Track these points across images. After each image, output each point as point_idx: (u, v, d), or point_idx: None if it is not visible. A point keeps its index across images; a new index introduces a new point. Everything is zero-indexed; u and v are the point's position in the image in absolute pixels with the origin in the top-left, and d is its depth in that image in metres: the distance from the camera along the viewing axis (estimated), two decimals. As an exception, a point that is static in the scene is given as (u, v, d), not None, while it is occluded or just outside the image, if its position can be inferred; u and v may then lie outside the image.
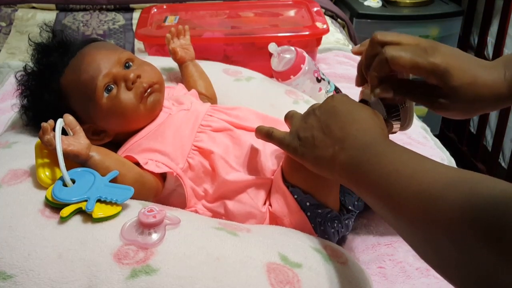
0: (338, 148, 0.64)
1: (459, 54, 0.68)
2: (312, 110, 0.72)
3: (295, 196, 0.76)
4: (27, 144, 0.81)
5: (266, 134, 0.76)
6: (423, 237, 0.51)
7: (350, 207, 0.80)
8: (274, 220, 0.79)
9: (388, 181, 0.55)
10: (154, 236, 0.63)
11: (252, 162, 0.82)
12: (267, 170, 0.82)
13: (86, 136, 0.73)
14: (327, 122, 0.68)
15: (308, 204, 0.76)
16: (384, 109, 0.74)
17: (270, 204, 0.80)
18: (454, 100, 0.67)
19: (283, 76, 1.16)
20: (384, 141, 0.63)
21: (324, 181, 0.74)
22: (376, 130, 0.66)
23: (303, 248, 0.69)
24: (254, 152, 0.82)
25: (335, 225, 0.78)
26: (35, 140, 0.71)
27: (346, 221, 0.80)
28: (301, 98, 1.11)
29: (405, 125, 0.77)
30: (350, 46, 1.67)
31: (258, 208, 0.79)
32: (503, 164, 2.13)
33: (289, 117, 0.77)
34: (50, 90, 0.83)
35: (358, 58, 1.71)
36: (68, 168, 0.68)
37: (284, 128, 0.85)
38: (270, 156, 0.83)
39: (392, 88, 0.70)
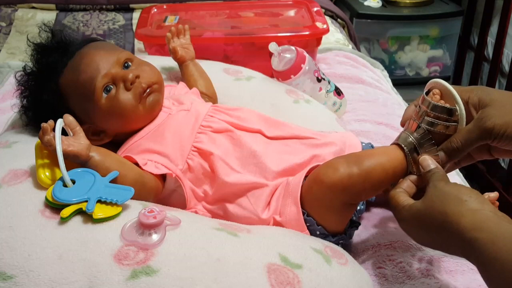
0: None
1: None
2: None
3: (308, 224, 0.76)
4: (27, 144, 0.80)
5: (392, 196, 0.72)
6: None
7: (353, 218, 0.81)
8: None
9: None
10: (155, 237, 0.63)
11: (253, 164, 0.81)
12: (269, 172, 0.81)
13: (86, 137, 0.73)
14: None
15: (318, 232, 0.77)
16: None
17: (279, 214, 0.78)
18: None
19: (283, 76, 1.16)
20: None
21: (340, 220, 0.76)
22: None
23: (303, 249, 0.69)
24: (255, 154, 0.82)
25: (339, 241, 0.79)
26: (35, 140, 0.71)
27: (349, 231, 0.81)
28: (302, 98, 1.11)
29: None
30: (350, 46, 1.67)
31: (257, 215, 0.78)
32: (502, 164, 2.12)
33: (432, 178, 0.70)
34: (49, 90, 0.83)
35: (358, 58, 1.71)
36: (68, 168, 0.68)
37: (288, 128, 0.86)
38: (272, 159, 0.82)
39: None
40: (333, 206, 0.75)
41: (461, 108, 0.72)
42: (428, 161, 0.71)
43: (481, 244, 0.58)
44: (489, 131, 0.69)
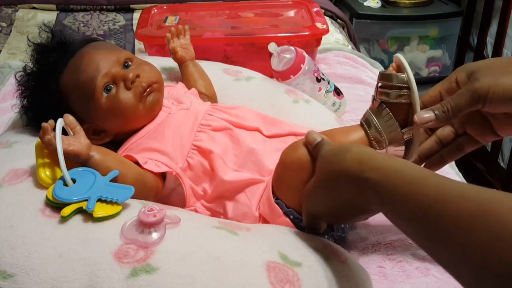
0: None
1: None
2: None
3: (280, 207, 0.76)
4: (28, 143, 0.81)
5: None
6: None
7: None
8: (265, 222, 0.79)
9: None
10: (154, 235, 0.63)
11: (251, 162, 0.82)
12: (266, 169, 0.81)
13: (86, 136, 0.73)
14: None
15: (291, 217, 0.75)
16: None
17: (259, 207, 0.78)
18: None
19: (283, 76, 1.16)
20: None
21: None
22: None
23: (303, 247, 0.69)
24: (253, 152, 0.82)
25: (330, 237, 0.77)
26: (36, 139, 0.71)
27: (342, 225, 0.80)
28: (301, 98, 1.11)
29: (408, 156, 0.76)
30: (350, 47, 1.68)
31: (252, 210, 0.78)
32: (502, 164, 2.13)
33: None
34: (49, 90, 0.83)
35: (357, 58, 1.71)
36: (68, 168, 0.68)
37: (285, 126, 0.86)
38: (270, 156, 0.82)
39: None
40: (294, 185, 0.73)
41: (408, 73, 0.72)
42: (314, 135, 0.72)
43: (375, 181, 0.58)
44: (477, 91, 0.67)
